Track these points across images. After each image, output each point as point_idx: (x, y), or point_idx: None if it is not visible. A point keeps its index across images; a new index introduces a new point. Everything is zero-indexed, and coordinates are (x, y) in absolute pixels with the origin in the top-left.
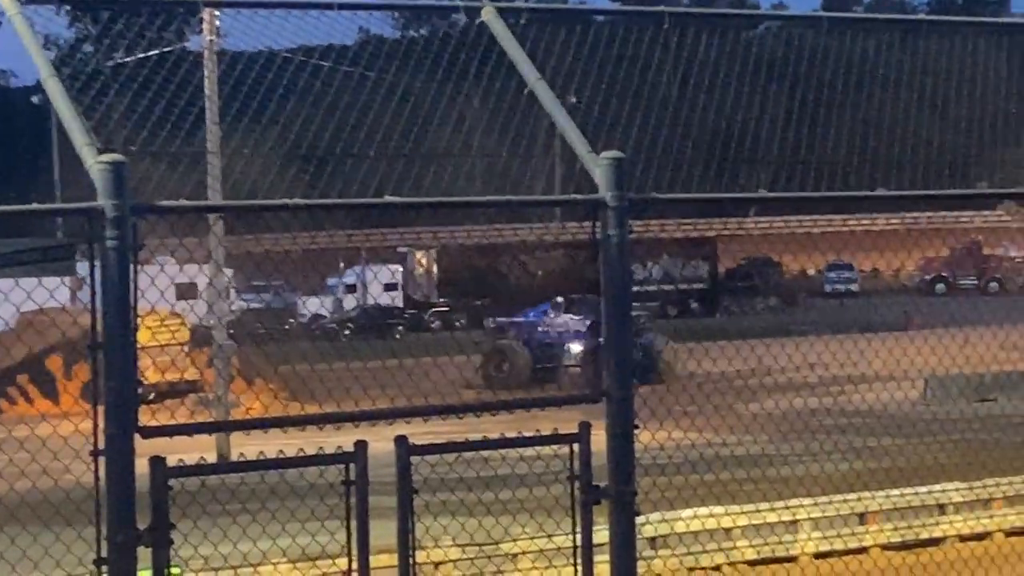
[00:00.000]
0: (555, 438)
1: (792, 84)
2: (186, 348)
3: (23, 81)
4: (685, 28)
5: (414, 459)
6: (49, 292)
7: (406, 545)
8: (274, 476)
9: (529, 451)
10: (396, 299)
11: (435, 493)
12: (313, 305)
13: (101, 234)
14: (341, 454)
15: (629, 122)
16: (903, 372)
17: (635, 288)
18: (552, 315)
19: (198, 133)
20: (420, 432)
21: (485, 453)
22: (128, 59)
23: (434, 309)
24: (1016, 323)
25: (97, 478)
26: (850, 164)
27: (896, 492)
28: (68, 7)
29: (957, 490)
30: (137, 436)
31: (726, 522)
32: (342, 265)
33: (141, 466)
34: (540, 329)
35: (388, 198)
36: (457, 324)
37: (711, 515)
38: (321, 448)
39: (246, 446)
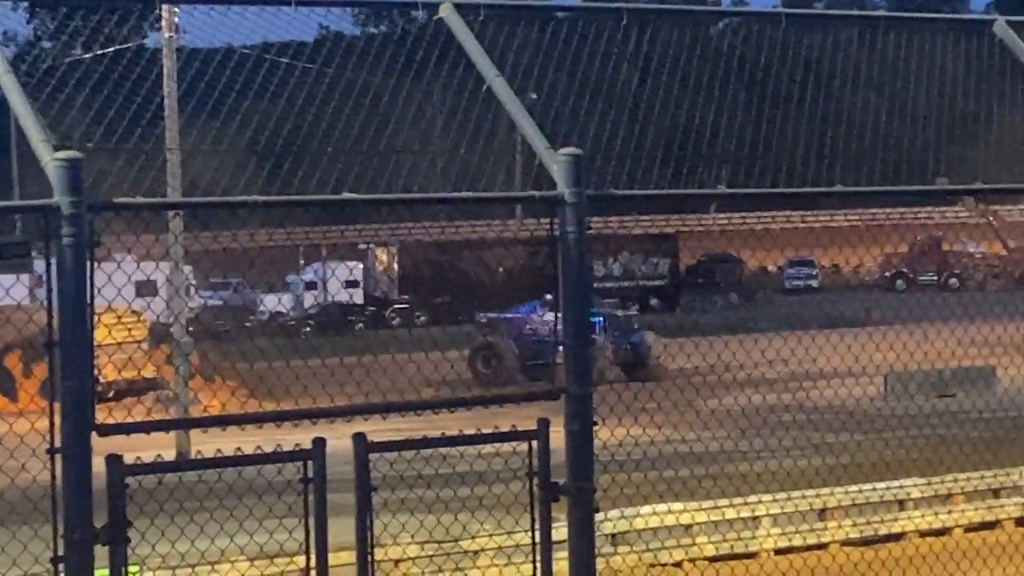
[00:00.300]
0: (513, 435)
1: (752, 80)
2: (144, 346)
3: None
4: (645, 24)
5: (373, 456)
6: (5, 290)
7: (365, 542)
8: (232, 474)
9: (488, 448)
10: (356, 296)
11: (393, 490)
12: (273, 302)
13: (58, 231)
14: (299, 451)
15: (589, 118)
16: (863, 368)
17: (596, 284)
18: (540, 312)
19: (156, 130)
20: (381, 429)
21: (444, 450)
22: (86, 56)
23: (395, 306)
24: (975, 319)
25: (54, 476)
26: (808, 160)
27: (856, 488)
28: (26, 3)
29: (916, 486)
30: (95, 435)
31: (686, 519)
32: (302, 262)
33: (99, 464)
34: (528, 326)
35: (346, 194)
36: (418, 321)
37: (670, 512)
38: (279, 446)
39: (205, 444)
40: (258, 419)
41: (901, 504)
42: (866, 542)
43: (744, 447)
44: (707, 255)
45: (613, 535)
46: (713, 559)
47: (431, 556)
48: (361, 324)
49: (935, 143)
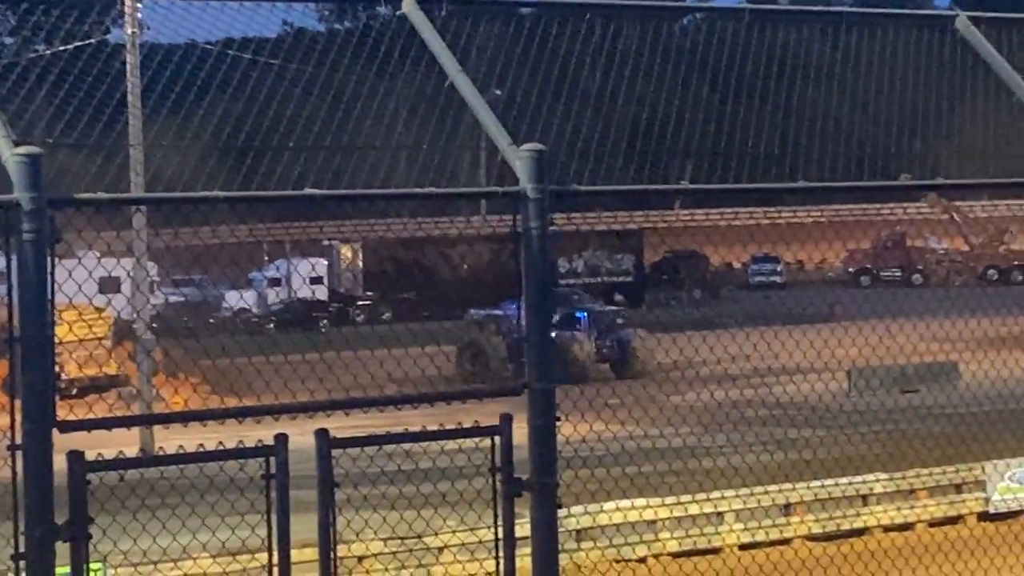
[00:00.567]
0: (476, 431)
1: (715, 76)
2: (106, 343)
3: None
4: (608, 20)
5: (336, 452)
6: None
7: (327, 539)
8: (194, 470)
9: (451, 444)
10: (321, 293)
11: (356, 487)
12: (237, 299)
13: (18, 227)
14: (261, 447)
15: (553, 114)
16: (825, 364)
17: (561, 281)
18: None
19: (117, 125)
20: (345, 426)
21: (407, 446)
22: (48, 51)
23: (359, 303)
24: (937, 314)
25: (15, 473)
26: (772, 156)
27: (819, 483)
28: None
29: (879, 481)
30: (57, 431)
31: (650, 515)
32: (266, 259)
33: (60, 462)
34: (515, 322)
35: (309, 190)
36: (383, 318)
37: (633, 507)
38: (241, 442)
39: (168, 441)
40: (221, 415)
41: (864, 499)
42: (829, 537)
43: (708, 443)
44: (671, 251)
45: (577, 531)
46: (677, 555)
47: (394, 552)
48: (325, 321)
49: (898, 139)
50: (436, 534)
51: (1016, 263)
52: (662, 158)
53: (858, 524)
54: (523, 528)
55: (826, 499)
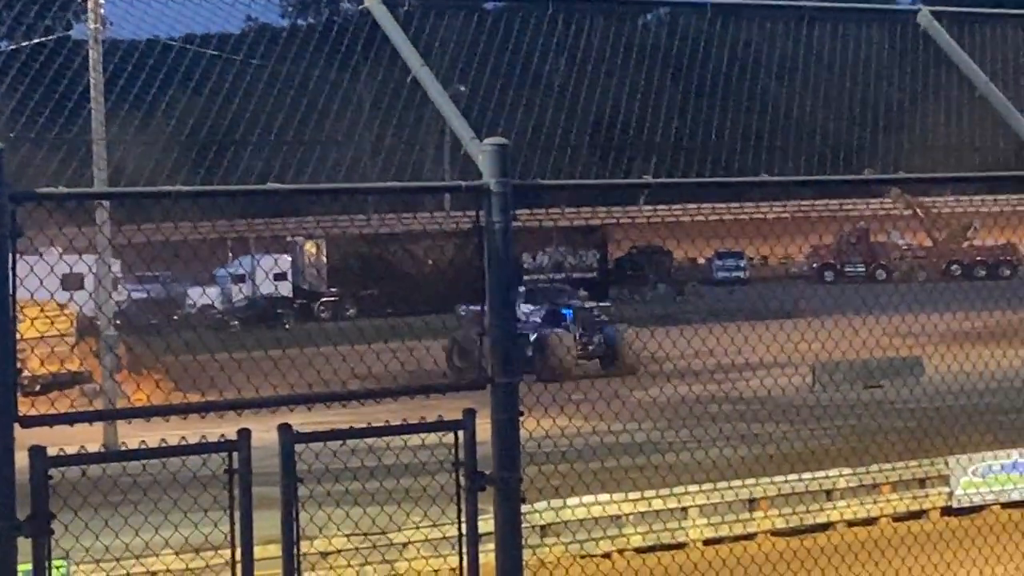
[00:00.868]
0: (439, 425)
1: (680, 71)
2: (69, 339)
3: None
4: (572, 15)
5: (299, 448)
6: None
7: (290, 535)
8: (156, 466)
9: (415, 439)
10: (285, 289)
11: (319, 482)
12: (199, 295)
13: None
14: (224, 442)
15: (517, 109)
16: (788, 358)
17: (526, 277)
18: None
19: (79, 120)
20: (308, 422)
21: (370, 442)
22: (9, 46)
23: (323, 299)
24: (901, 310)
25: None
26: (734, 151)
27: (783, 478)
28: None
29: (843, 476)
30: (19, 427)
31: (614, 510)
32: (230, 255)
33: (22, 459)
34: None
35: (271, 185)
36: (347, 314)
37: (596, 503)
38: (204, 437)
39: (130, 437)
40: (183, 410)
41: (828, 494)
42: (794, 532)
43: (671, 438)
44: (636, 247)
45: (542, 526)
46: (642, 550)
47: (357, 548)
48: (290, 317)
49: (861, 134)
50: (400, 530)
51: (979, 259)
52: (626, 153)
53: (822, 519)
54: (487, 523)
55: (790, 494)
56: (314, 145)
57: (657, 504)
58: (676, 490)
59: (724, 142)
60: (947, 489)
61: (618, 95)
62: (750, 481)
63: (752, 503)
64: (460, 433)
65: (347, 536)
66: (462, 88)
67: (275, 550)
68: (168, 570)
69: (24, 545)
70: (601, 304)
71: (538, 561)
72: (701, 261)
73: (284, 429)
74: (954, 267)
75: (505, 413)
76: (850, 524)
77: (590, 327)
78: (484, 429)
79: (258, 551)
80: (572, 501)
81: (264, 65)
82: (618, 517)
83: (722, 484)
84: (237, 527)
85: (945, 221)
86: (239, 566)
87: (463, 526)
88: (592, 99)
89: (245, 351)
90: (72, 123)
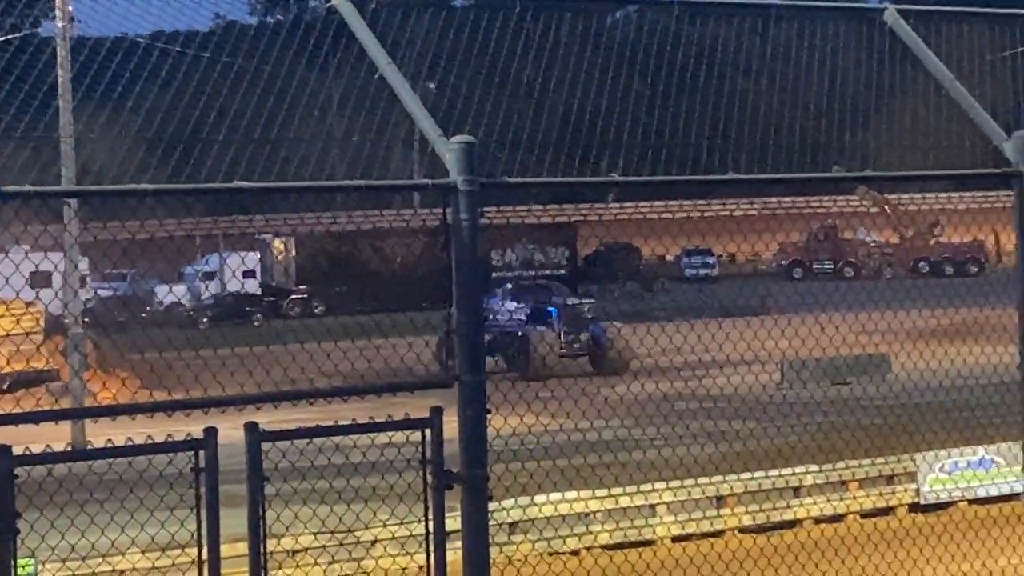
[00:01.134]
0: (406, 423)
1: (646, 69)
2: (36, 337)
3: None
4: (540, 12)
5: (266, 446)
6: None
7: (257, 533)
8: (122, 464)
9: (382, 437)
10: (253, 287)
11: (286, 480)
12: (166, 293)
13: None
14: (190, 441)
15: (484, 107)
16: (756, 356)
17: (495, 274)
18: (501, 302)
19: (44, 118)
20: (276, 420)
21: (338, 440)
22: None
23: (292, 296)
24: (868, 307)
25: None
26: (701, 148)
27: (751, 476)
28: None
29: (811, 473)
30: None
31: (583, 507)
32: (198, 253)
33: None
34: (489, 316)
35: (238, 183)
36: (316, 311)
37: (564, 500)
38: (170, 436)
39: (97, 436)
40: (150, 409)
41: (796, 491)
42: (761, 529)
43: (639, 436)
44: (604, 244)
45: (510, 524)
46: (610, 547)
47: (324, 546)
48: (259, 314)
49: (829, 131)
50: (367, 528)
51: (946, 256)
52: (594, 151)
53: (790, 516)
54: (455, 521)
55: (757, 491)
56: (282, 143)
57: (625, 501)
58: (644, 488)
59: (692, 139)
60: (914, 486)
61: (586, 92)
62: (718, 478)
63: (720, 500)
64: (427, 431)
65: (314, 534)
66: (430, 86)
67: (242, 548)
68: (134, 568)
69: None
70: (584, 301)
71: (506, 559)
72: (670, 258)
73: (251, 427)
74: (922, 264)
75: (472, 411)
76: (818, 521)
77: (576, 325)
78: (452, 427)
79: (225, 549)
80: (540, 499)
81: (232, 62)
82: (586, 515)
83: (690, 481)
84: (204, 525)
85: (911, 218)
86: (206, 565)
87: (430, 524)
88: (560, 96)
89: (212, 349)
90: (38, 121)
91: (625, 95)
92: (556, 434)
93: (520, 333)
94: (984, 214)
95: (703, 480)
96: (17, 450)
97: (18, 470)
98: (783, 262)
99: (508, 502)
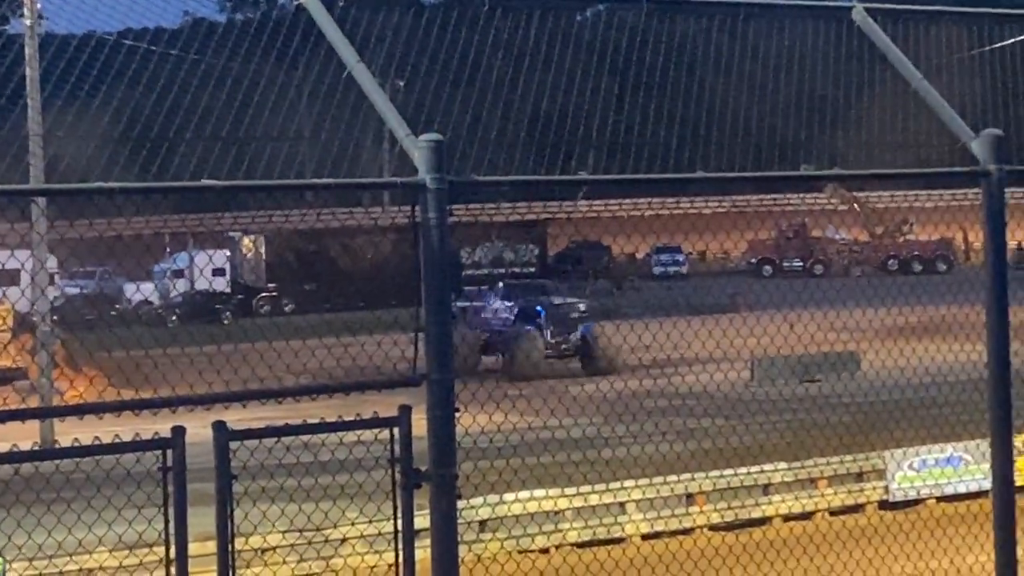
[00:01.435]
0: (375, 422)
1: (614, 67)
2: (3, 335)
3: None
4: (509, 10)
5: (234, 445)
6: None
7: (225, 532)
8: (90, 463)
9: (351, 436)
10: (223, 284)
11: (254, 479)
12: (133, 291)
13: None
14: (157, 440)
15: (456, 105)
16: (725, 354)
17: (466, 272)
18: (492, 300)
19: (11, 115)
20: (245, 419)
21: (306, 438)
22: None
23: (262, 294)
24: (837, 305)
25: None
26: (670, 146)
27: (721, 473)
28: None
29: (780, 471)
30: None
31: (552, 505)
32: (167, 251)
33: None
34: (482, 315)
35: (206, 181)
36: (286, 309)
37: (533, 498)
38: (138, 435)
39: (64, 435)
40: (117, 407)
41: (766, 489)
42: (731, 526)
43: (608, 433)
44: (575, 242)
45: (480, 522)
46: (580, 545)
47: (293, 545)
48: (229, 312)
49: (798, 129)
50: (336, 526)
51: (915, 254)
52: (563, 149)
53: (759, 514)
54: (424, 520)
55: (726, 489)
56: (251, 140)
57: (595, 499)
58: (614, 485)
59: (662, 137)
60: (883, 483)
61: (556, 90)
62: (687, 476)
63: (690, 498)
64: (396, 429)
65: (283, 533)
66: (400, 84)
67: (210, 547)
68: (102, 567)
69: None
70: (569, 301)
71: (475, 557)
72: (639, 256)
73: (219, 426)
74: (891, 262)
75: (441, 409)
76: (787, 519)
77: (564, 325)
78: (421, 425)
79: (193, 548)
80: (509, 497)
81: (200, 60)
82: (556, 513)
83: (659, 479)
84: (171, 524)
85: (880, 216)
86: (174, 563)
87: (399, 522)
88: (530, 94)
89: (180, 348)
90: (5, 118)
91: (594, 93)
92: (525, 432)
93: (505, 333)
94: (952, 212)
95: (673, 478)
96: None
97: None
98: (753, 260)
99: (477, 500)
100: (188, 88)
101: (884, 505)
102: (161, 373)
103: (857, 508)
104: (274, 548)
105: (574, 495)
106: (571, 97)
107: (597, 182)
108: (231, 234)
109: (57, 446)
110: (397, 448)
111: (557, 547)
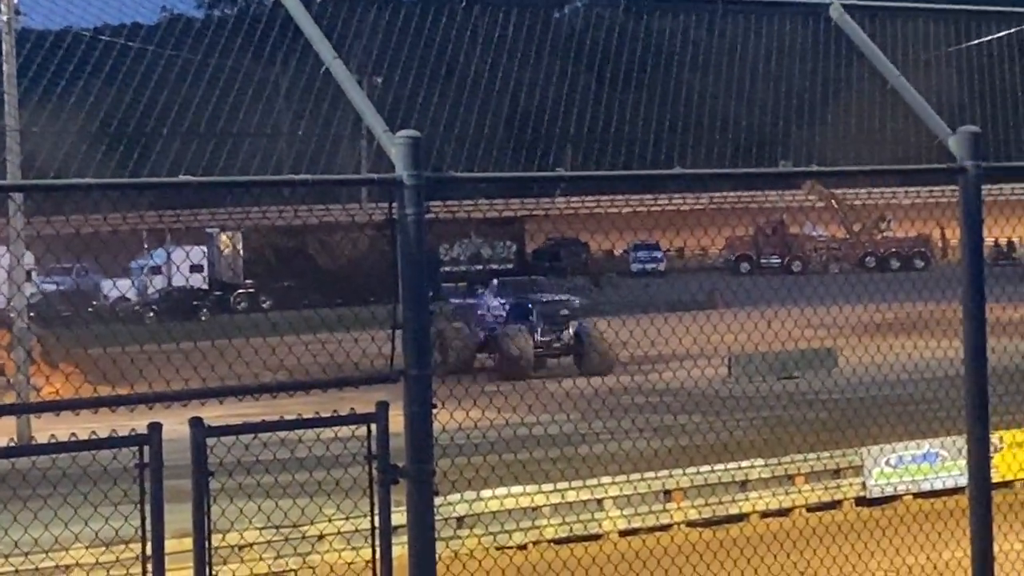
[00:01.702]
0: (352, 418)
1: (596, 64)
2: None
3: None
4: (488, 7)
5: (211, 441)
6: None
7: (202, 528)
8: (66, 460)
9: (328, 432)
10: (201, 281)
11: (231, 475)
12: (110, 287)
13: None
14: (134, 436)
15: (432, 101)
16: (703, 350)
17: (444, 269)
18: (487, 297)
19: None
20: (223, 415)
21: (283, 435)
22: None
23: (240, 291)
24: (814, 301)
25: None
26: (647, 142)
27: (698, 470)
28: None
29: (755, 467)
30: None
31: (529, 502)
32: (145, 247)
33: None
34: (479, 312)
35: (183, 177)
36: (263, 305)
37: (510, 495)
38: (114, 431)
39: (40, 431)
40: (94, 404)
41: (743, 485)
42: (709, 523)
43: (585, 430)
44: (552, 238)
45: (457, 519)
46: (557, 541)
47: (270, 542)
48: (206, 309)
49: (776, 126)
50: (313, 523)
51: (893, 250)
52: (541, 145)
53: (736, 510)
54: (402, 516)
55: (703, 485)
56: (228, 136)
57: (572, 496)
58: (591, 482)
59: (640, 134)
60: (860, 480)
61: (533, 87)
62: (665, 473)
63: (667, 494)
64: (373, 425)
65: (260, 530)
66: (378, 80)
67: (187, 544)
68: (78, 564)
69: None
70: (560, 298)
71: (452, 553)
72: (617, 253)
73: (195, 422)
74: (868, 259)
75: (418, 406)
76: (764, 515)
77: (555, 322)
78: (398, 422)
79: (170, 545)
80: (487, 493)
81: (177, 56)
82: (533, 509)
83: (637, 476)
84: (148, 521)
85: (858, 213)
86: (150, 560)
87: (376, 519)
88: (507, 91)
89: (157, 344)
90: None
91: (572, 90)
92: (502, 429)
93: (494, 332)
94: (930, 209)
95: (650, 474)
96: None
97: None
98: (731, 257)
99: (455, 497)
100: (165, 84)
101: (861, 501)
102: (138, 369)
103: (834, 504)
104: (251, 545)
105: (551, 491)
106: (549, 94)
107: (575, 178)
108: (209, 230)
109: (33, 442)
110: (374, 444)
111: (535, 543)
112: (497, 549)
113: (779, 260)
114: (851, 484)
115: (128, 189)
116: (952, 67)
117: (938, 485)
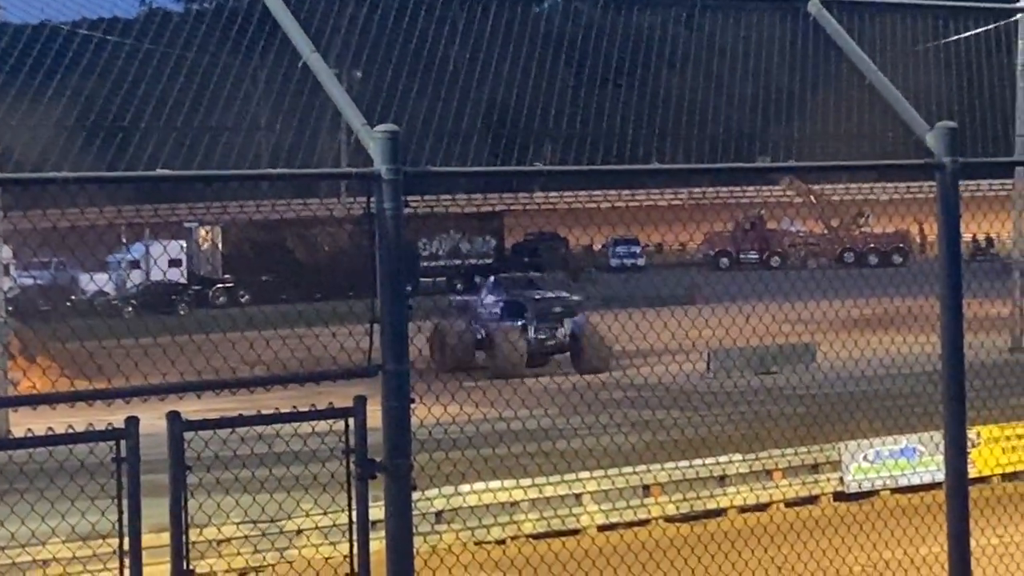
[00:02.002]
0: (329, 412)
1: (575, 59)
2: None
3: None
4: (467, 1)
5: (188, 436)
6: None
7: (179, 523)
8: (43, 454)
9: (306, 427)
10: (179, 275)
11: (209, 470)
12: (88, 282)
13: None
14: (111, 431)
15: (412, 95)
16: (681, 345)
17: (424, 264)
18: (484, 295)
19: None
20: (200, 409)
21: (261, 429)
22: None
23: (218, 285)
24: (792, 297)
25: None
26: (626, 138)
27: (677, 465)
28: None
29: (732, 462)
30: None
31: (508, 496)
32: (123, 241)
33: None
34: (477, 310)
35: (161, 171)
36: (242, 300)
37: (489, 490)
38: (91, 425)
39: (17, 425)
40: (71, 398)
41: (722, 480)
42: (687, 518)
43: (564, 425)
44: (531, 234)
45: (435, 514)
46: (536, 536)
47: (247, 536)
48: (185, 303)
49: (754, 121)
50: (290, 517)
51: (872, 246)
52: (520, 140)
53: (715, 505)
54: (380, 511)
55: (682, 480)
56: (207, 130)
57: (551, 491)
58: (570, 477)
59: (619, 129)
60: (838, 475)
61: (513, 82)
62: (643, 468)
63: (646, 489)
64: (351, 420)
65: (238, 524)
66: (357, 74)
67: (165, 538)
68: (55, 559)
69: None
70: (550, 294)
71: (430, 548)
72: (596, 248)
73: (173, 416)
74: (847, 254)
75: (396, 400)
76: (743, 510)
77: (549, 319)
78: (376, 416)
79: (147, 539)
80: (465, 488)
81: (156, 50)
82: (512, 504)
83: (615, 471)
84: (125, 515)
85: (836, 209)
86: (128, 555)
87: (354, 513)
88: (487, 86)
89: (135, 339)
90: None
91: (551, 85)
92: (481, 424)
93: (485, 330)
94: (908, 205)
95: (628, 469)
96: None
97: None
98: (710, 252)
99: (433, 492)
100: (143, 78)
101: (839, 496)
102: (116, 364)
103: (812, 499)
104: (229, 539)
105: (530, 486)
106: (527, 89)
107: (554, 173)
108: (187, 225)
109: (11, 436)
110: (352, 439)
111: (513, 538)
112: (475, 544)
113: (757, 255)
114: (829, 479)
115: (106, 183)
116: (930, 62)
117: (916, 480)
